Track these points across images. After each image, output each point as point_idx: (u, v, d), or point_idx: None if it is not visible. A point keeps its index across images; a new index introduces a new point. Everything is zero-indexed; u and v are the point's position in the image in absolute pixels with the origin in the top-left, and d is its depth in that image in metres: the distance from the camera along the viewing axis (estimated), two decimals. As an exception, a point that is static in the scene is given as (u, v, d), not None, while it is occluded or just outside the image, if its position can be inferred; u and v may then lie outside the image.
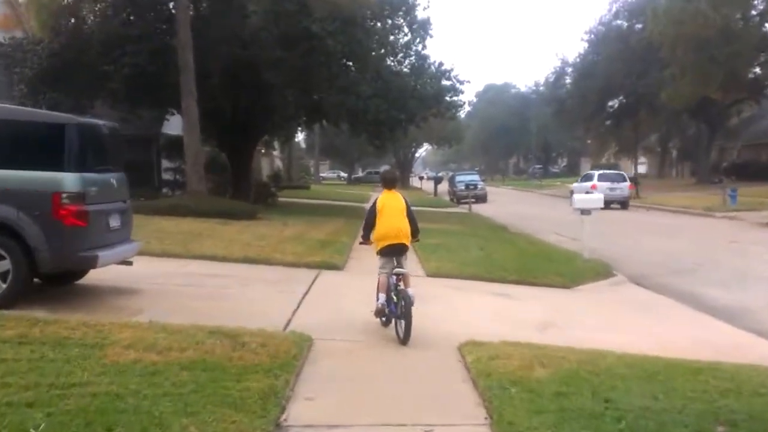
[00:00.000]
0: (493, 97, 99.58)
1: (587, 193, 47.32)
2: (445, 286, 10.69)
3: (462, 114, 28.01)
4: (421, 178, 70.15)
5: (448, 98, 24.22)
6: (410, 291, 6.80)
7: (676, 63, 37.11)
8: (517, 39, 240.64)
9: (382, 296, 6.93)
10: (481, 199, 38.61)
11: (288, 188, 43.91)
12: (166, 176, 31.13)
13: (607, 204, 31.26)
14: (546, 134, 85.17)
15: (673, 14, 36.35)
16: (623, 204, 32.73)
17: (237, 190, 26.22)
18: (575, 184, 37.20)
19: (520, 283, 11.26)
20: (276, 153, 60.93)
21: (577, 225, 25.12)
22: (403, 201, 7.11)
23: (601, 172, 37.55)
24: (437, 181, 51.46)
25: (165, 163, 31.10)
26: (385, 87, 22.88)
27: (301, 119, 26.00)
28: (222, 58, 20.73)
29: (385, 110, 22.34)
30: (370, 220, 7.07)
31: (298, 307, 8.20)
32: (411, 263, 10.50)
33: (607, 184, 32.92)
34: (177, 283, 9.19)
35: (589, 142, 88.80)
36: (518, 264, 12.57)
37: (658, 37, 38.73)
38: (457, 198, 42.03)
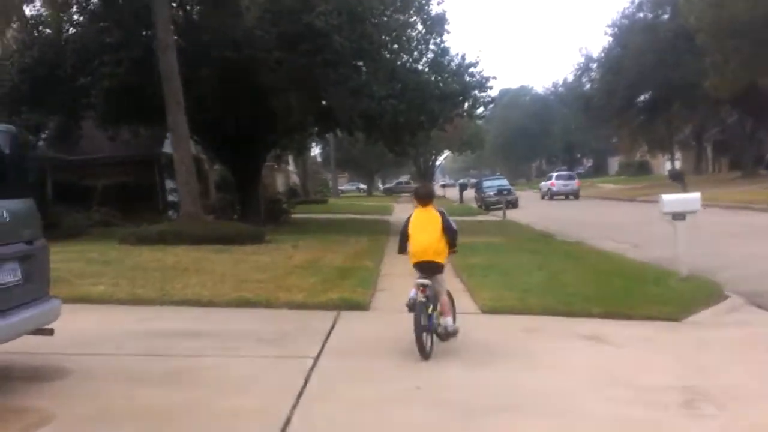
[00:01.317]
0: (510, 101, 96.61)
1: (551, 188, 47.19)
2: (512, 327, 7.75)
3: (489, 112, 23.95)
4: (443, 186, 67.01)
5: (476, 93, 21.18)
6: (449, 321, 6.47)
7: (717, 50, 33.84)
8: (528, 42, 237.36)
9: (413, 291, 6.41)
10: (513, 204, 35.56)
11: (304, 203, 41.30)
12: (172, 197, 28.62)
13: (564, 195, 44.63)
14: (569, 135, 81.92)
15: (708, -2, 33.28)
16: (575, 195, 45.43)
17: (245, 209, 23.55)
18: (542, 183, 49.34)
19: (610, 316, 8.26)
20: (291, 168, 58.42)
21: (629, 229, 22.97)
22: (438, 216, 6.55)
23: (557, 173, 52.44)
24: (462, 187, 48.42)
25: (169, 184, 28.58)
26: (402, 87, 20.03)
27: (312, 128, 23.18)
28: (213, 62, 18.05)
29: (403, 112, 19.47)
30: (402, 236, 6.75)
31: (302, 390, 5.28)
32: (458, 294, 8.05)
33: (561, 181, 47.47)
34: (132, 351, 6.36)
35: (614, 140, 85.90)
36: (597, 288, 9.57)
37: (694, 23, 35.54)
38: (485, 205, 39.13)
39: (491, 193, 39.47)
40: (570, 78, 56.76)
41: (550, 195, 47.38)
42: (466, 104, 21.16)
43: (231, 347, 6.53)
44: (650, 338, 7.33)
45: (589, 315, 8.28)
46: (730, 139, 48.86)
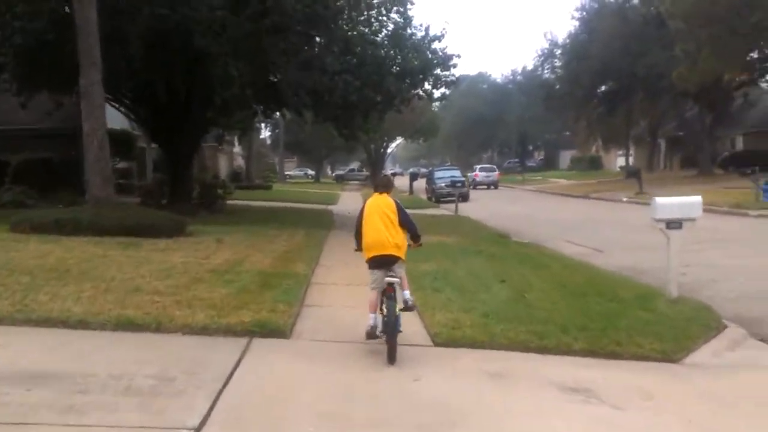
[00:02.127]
0: (467, 89, 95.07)
1: (476, 178, 48.55)
2: (472, 369, 6.00)
3: (449, 93, 21.69)
4: (393, 175, 65.25)
5: (438, 71, 19.24)
6: (407, 294, 6.36)
7: (690, 38, 32.63)
8: (487, 26, 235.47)
9: (372, 317, 6.12)
10: (464, 197, 33.97)
11: (247, 188, 38.98)
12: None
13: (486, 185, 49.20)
14: (524, 126, 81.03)
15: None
16: (495, 185, 51.57)
17: (175, 193, 21.28)
18: (468, 174, 50.22)
19: (594, 354, 6.59)
20: (237, 150, 55.79)
21: (587, 230, 21.64)
22: (393, 204, 6.33)
23: (481, 166, 58.34)
24: (413, 177, 46.66)
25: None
26: (358, 61, 18.09)
27: (255, 105, 20.96)
28: (143, 20, 15.73)
29: (357, 90, 17.55)
30: (357, 227, 6.46)
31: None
32: (405, 317, 6.57)
33: (484, 173, 53.47)
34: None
35: (568, 134, 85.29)
36: (572, 312, 7.88)
37: (669, 8, 34.22)
38: (436, 197, 37.52)
39: (443, 184, 37.84)
40: (530, 66, 55.31)
41: (474, 184, 48.88)
42: (427, 83, 19.26)
43: (77, 407, 4.55)
44: (650, 392, 5.65)
45: (568, 351, 6.59)
46: (688, 136, 48.28)
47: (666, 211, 8.44)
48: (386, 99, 19.53)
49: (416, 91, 19.27)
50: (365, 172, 70.56)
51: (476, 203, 33.20)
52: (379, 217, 6.20)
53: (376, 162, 66.23)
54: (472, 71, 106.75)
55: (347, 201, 34.91)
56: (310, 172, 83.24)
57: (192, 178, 21.75)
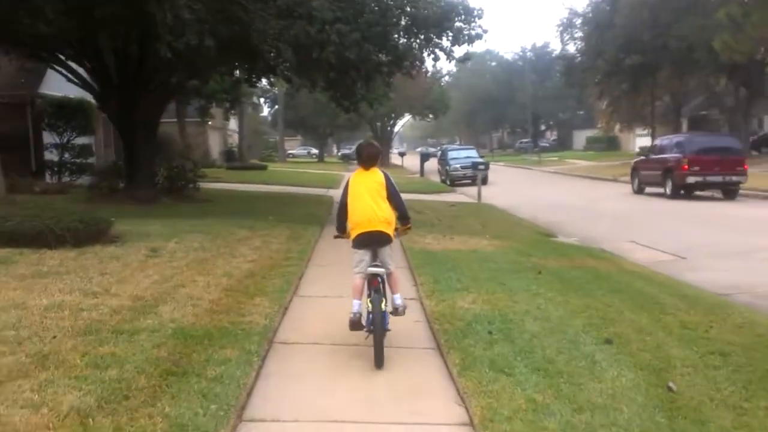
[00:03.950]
0: (475, 66, 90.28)
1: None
2: None
3: (468, 57, 16.29)
4: (401, 155, 60.75)
5: (458, 23, 14.70)
6: (398, 298, 5.49)
7: (735, 1, 28.23)
8: (495, 3, 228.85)
9: (357, 303, 5.33)
10: (484, 180, 29.75)
11: (239, 169, 34.82)
12: (52, 155, 22.07)
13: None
14: (537, 105, 76.36)
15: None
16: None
17: (133, 177, 17.21)
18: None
19: None
20: (235, 127, 51.41)
21: (641, 223, 16.87)
22: (382, 177, 5.40)
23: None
24: (424, 158, 42.38)
25: (47, 138, 22.01)
26: (357, 6, 13.83)
27: (228, 66, 16.69)
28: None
29: (356, 44, 13.29)
30: (340, 205, 5.59)
31: None
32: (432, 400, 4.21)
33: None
34: None
35: (581, 112, 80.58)
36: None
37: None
38: (450, 180, 33.37)
39: (458, 165, 33.62)
40: (540, 42, 50.65)
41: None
42: (445, 38, 14.77)
43: None
44: None
45: None
46: (717, 114, 43.81)
47: None
48: (393, 58, 15.27)
49: (432, 47, 14.71)
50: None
51: (496, 187, 28.95)
52: (368, 192, 5.32)
53: (382, 140, 61.86)
54: (480, 48, 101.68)
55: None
56: (314, 150, 78.73)
57: (153, 158, 17.56)
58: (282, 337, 5.69)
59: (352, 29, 13.34)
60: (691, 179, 21.89)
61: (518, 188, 30.14)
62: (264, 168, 37.60)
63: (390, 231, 5.35)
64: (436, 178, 36.82)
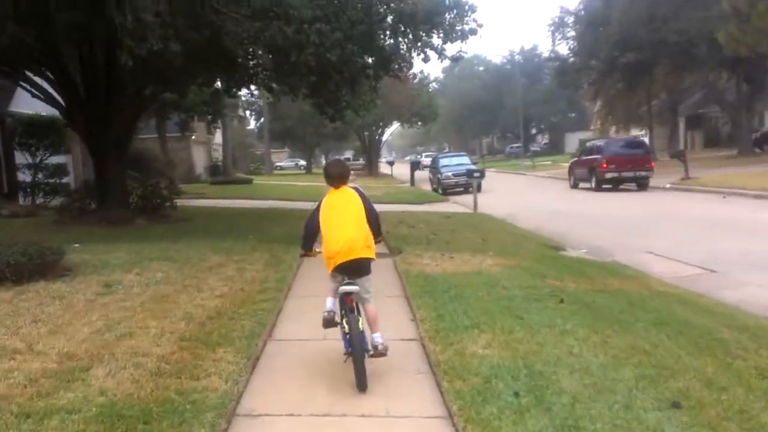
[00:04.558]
0: (462, 71, 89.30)
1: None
2: None
3: (463, 54, 14.91)
4: (390, 164, 59.50)
5: (451, 16, 13.33)
6: (379, 337, 4.99)
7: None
8: (481, 7, 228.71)
9: (330, 300, 5.22)
10: (478, 188, 28.49)
11: (223, 184, 33.50)
12: (24, 176, 20.76)
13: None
14: (527, 109, 75.36)
15: None
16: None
17: (105, 196, 15.88)
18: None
19: None
20: (220, 141, 50.01)
21: (656, 230, 14.73)
22: (358, 197, 5.17)
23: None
24: (414, 166, 41.19)
25: (19, 158, 20.71)
26: (337, 5, 12.57)
27: (199, 74, 15.37)
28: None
29: (338, 44, 12.03)
30: (309, 229, 5.24)
31: None
32: None
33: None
34: None
35: (573, 115, 79.73)
36: None
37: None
38: (443, 188, 32.15)
39: (450, 173, 32.39)
40: (528, 46, 49.55)
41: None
42: (436, 36, 13.44)
43: None
44: None
45: None
46: (717, 112, 42.82)
47: None
48: (379, 60, 14.00)
49: (422, 44, 13.37)
50: (361, 161, 64.91)
51: (491, 195, 27.66)
52: (349, 217, 5.04)
53: (370, 150, 60.68)
54: (468, 52, 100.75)
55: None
56: (302, 162, 77.45)
57: (124, 177, 16.24)
58: (247, 407, 4.41)
59: (333, 28, 12.07)
60: (609, 175, 27.12)
61: (513, 195, 28.92)
62: (249, 182, 36.30)
63: (372, 254, 5.13)
64: (427, 187, 35.60)
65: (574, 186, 30.50)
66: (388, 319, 6.32)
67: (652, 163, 27.60)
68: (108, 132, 15.47)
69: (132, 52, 10.59)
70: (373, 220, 5.22)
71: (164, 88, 16.89)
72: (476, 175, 21.07)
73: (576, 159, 31.97)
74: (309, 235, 5.26)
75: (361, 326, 4.89)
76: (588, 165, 28.75)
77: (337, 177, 5.23)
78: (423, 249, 11.05)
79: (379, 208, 5.64)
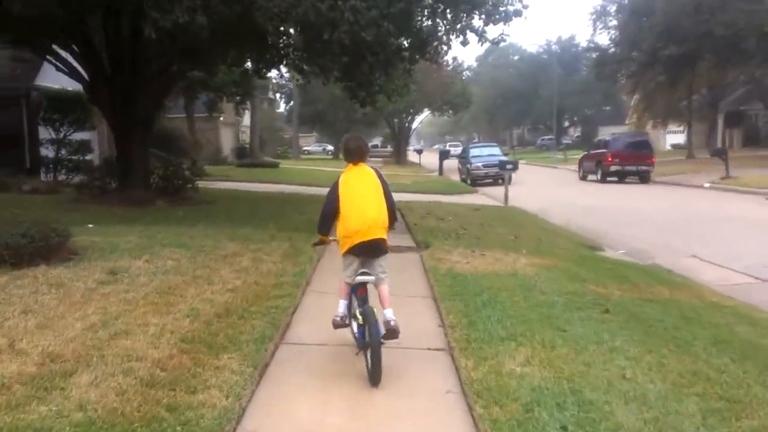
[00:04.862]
0: (497, 60, 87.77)
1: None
2: None
3: (504, 37, 14.03)
4: (417, 152, 58.55)
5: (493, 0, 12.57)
6: (389, 313, 4.72)
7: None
8: None
9: (343, 303, 5.04)
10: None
11: (250, 167, 33.09)
12: (47, 151, 20.48)
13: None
14: (561, 100, 73.80)
15: None
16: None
17: (126, 177, 15.44)
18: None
19: None
20: (248, 123, 49.72)
21: (699, 232, 13.76)
22: (375, 174, 4.99)
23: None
24: (443, 156, 40.40)
25: (43, 132, 20.44)
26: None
27: (227, 49, 14.78)
28: None
29: (373, 23, 11.35)
30: (328, 208, 4.90)
31: None
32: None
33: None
34: None
35: (608, 108, 77.85)
36: None
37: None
38: (472, 179, 31.42)
39: (479, 164, 31.59)
40: (566, 35, 48.14)
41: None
42: (477, 17, 12.69)
43: None
44: None
45: None
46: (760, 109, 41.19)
47: None
48: (415, 41, 13.29)
49: (462, 26, 12.59)
50: (389, 148, 64.15)
51: (522, 187, 26.78)
52: (369, 193, 4.84)
53: (399, 137, 59.87)
54: (504, 39, 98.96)
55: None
56: (329, 147, 76.94)
57: (147, 157, 15.79)
58: (249, 428, 3.81)
59: (369, 6, 11.35)
60: (613, 168, 29.73)
61: (545, 189, 28.05)
62: (276, 166, 35.84)
63: (386, 235, 4.97)
64: (456, 177, 34.84)
65: (583, 178, 32.81)
66: (413, 322, 5.72)
67: (653, 159, 30.36)
68: (133, 108, 15.01)
69: (156, 24, 10.06)
70: (390, 204, 5.01)
71: (192, 66, 16.35)
72: (509, 167, 20.23)
73: (586, 153, 34.71)
74: (327, 215, 4.94)
75: (376, 315, 4.66)
76: (595, 158, 31.45)
77: (356, 152, 5.04)
78: (452, 244, 10.38)
79: (406, 197, 5.03)
